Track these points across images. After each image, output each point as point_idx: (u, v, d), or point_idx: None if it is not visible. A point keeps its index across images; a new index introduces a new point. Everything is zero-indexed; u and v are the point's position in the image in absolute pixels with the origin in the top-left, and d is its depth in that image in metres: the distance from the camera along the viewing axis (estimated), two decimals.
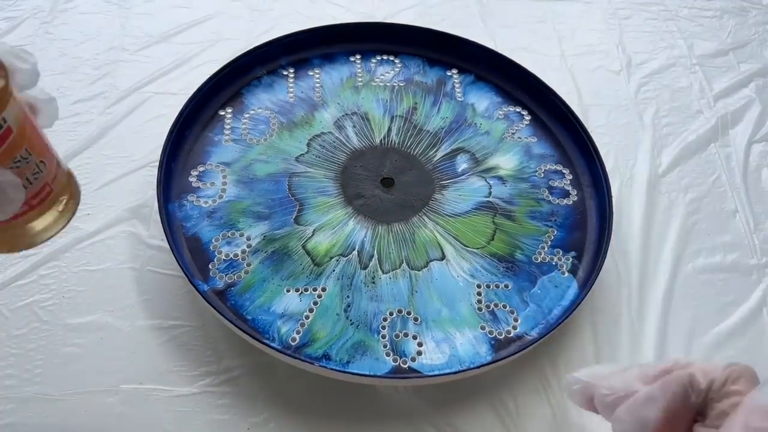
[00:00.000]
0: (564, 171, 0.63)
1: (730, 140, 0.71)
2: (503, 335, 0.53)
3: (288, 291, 0.53)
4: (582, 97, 0.72)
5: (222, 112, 0.63)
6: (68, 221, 0.40)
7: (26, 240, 0.39)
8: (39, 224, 0.39)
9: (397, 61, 0.69)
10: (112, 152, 0.63)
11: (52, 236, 0.40)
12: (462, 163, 0.63)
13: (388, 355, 0.51)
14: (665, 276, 0.60)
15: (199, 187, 0.58)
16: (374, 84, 0.67)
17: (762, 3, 0.85)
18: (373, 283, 0.54)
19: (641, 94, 0.74)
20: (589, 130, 0.64)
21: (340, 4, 0.77)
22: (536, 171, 0.63)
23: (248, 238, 0.55)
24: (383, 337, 0.51)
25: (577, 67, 0.75)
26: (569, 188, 0.62)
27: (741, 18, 0.84)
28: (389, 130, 0.64)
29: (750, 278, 0.61)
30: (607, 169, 0.62)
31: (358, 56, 0.69)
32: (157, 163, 0.56)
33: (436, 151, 0.63)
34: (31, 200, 0.37)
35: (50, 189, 0.38)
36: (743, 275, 0.61)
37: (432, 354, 0.51)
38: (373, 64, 0.69)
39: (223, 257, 0.54)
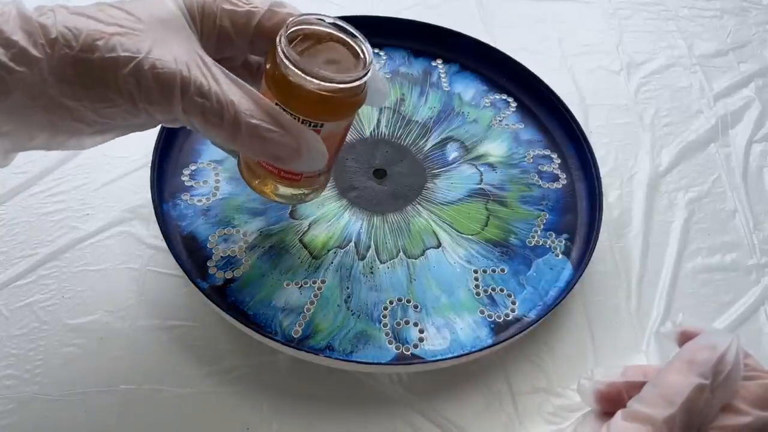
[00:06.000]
0: (552, 155, 0.60)
1: (730, 140, 0.67)
2: (502, 318, 0.49)
3: (288, 285, 0.49)
4: (582, 97, 0.68)
5: None
6: (294, 204, 0.52)
7: (266, 192, 0.45)
8: (280, 191, 0.44)
9: (381, 53, 0.65)
10: (112, 152, 0.58)
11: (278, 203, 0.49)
12: (452, 152, 0.59)
13: (390, 343, 0.47)
14: (664, 275, 0.56)
15: (192, 186, 0.54)
16: None
17: (762, 3, 0.82)
18: (372, 273, 0.50)
19: (641, 94, 0.70)
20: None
21: (340, 4, 0.73)
22: (525, 156, 0.59)
23: (245, 234, 0.51)
24: (385, 325, 0.48)
25: (577, 67, 0.71)
26: (558, 172, 0.58)
27: (741, 18, 0.80)
28: (378, 121, 0.60)
29: (749, 278, 0.57)
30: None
31: None
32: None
33: (426, 140, 0.59)
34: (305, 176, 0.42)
35: (299, 179, 0.43)
36: (742, 275, 0.58)
37: (434, 340, 0.48)
38: None
39: (221, 254, 0.50)
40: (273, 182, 0.44)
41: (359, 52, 0.40)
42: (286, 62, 0.37)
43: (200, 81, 0.35)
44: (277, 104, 0.38)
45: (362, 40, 0.40)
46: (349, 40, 0.40)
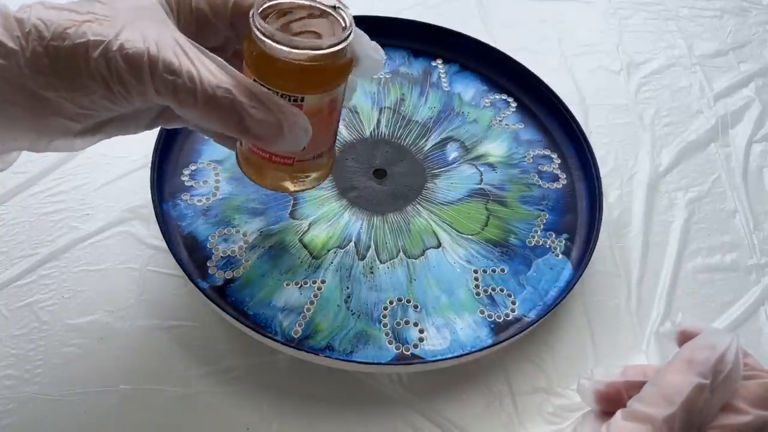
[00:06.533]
0: (552, 155, 0.60)
1: (730, 140, 0.67)
2: (502, 318, 0.49)
3: (287, 285, 0.49)
4: (582, 97, 0.68)
5: None
6: (300, 191, 0.48)
7: (260, 179, 0.43)
8: (274, 177, 0.43)
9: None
10: (112, 152, 0.58)
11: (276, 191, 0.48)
12: (452, 152, 0.59)
13: (390, 343, 0.47)
14: (664, 275, 0.56)
15: (192, 186, 0.54)
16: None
17: (762, 3, 0.82)
18: (372, 273, 0.50)
19: (641, 94, 0.70)
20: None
21: None
22: (525, 156, 0.59)
23: (245, 234, 0.51)
24: (385, 325, 0.48)
25: (577, 67, 0.71)
26: (558, 172, 0.58)
27: (741, 18, 0.80)
28: (378, 121, 0.60)
29: (749, 278, 0.57)
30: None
31: None
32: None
33: (426, 140, 0.59)
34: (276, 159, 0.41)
35: (292, 163, 0.42)
36: (742, 275, 0.58)
37: (434, 340, 0.48)
38: None
39: (221, 254, 0.50)
40: (268, 170, 0.42)
41: (339, 20, 0.38)
42: (257, 33, 0.36)
43: (170, 59, 0.34)
44: (255, 81, 0.37)
45: (343, 7, 0.39)
46: (327, 10, 0.39)
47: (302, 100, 0.38)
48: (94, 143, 0.39)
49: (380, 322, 0.48)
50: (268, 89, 0.37)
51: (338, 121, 0.43)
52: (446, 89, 0.63)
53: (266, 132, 0.37)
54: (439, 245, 0.52)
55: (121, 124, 0.39)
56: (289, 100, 0.37)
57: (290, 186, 0.44)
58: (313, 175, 0.44)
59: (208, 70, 0.35)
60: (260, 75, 0.37)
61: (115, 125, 0.39)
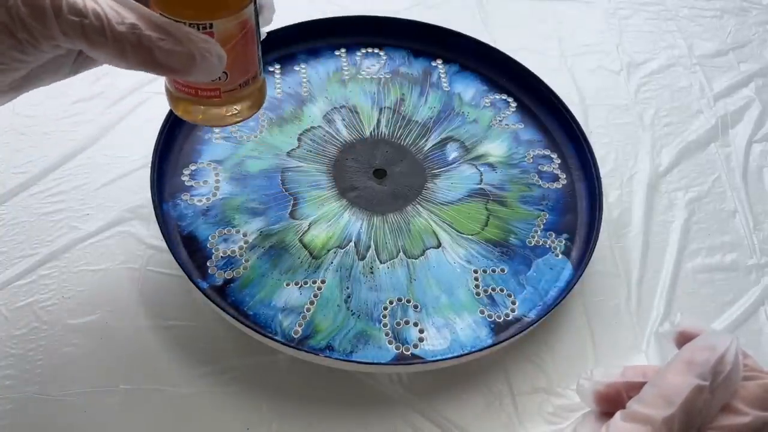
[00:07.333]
0: (552, 155, 0.60)
1: (730, 140, 0.67)
2: (502, 318, 0.50)
3: (287, 285, 0.49)
4: (582, 97, 0.68)
5: None
6: (238, 122, 0.44)
7: (191, 116, 0.43)
8: (205, 112, 0.43)
9: (382, 53, 0.65)
10: (112, 152, 0.58)
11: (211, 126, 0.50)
12: (452, 152, 0.59)
13: (390, 343, 0.47)
14: (664, 275, 0.56)
15: (192, 186, 0.54)
16: (360, 77, 0.63)
17: (762, 3, 0.82)
18: (372, 273, 0.50)
19: (641, 94, 0.70)
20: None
21: (338, 3, 0.73)
22: (525, 156, 0.59)
23: (245, 235, 0.51)
24: (385, 325, 0.48)
25: (577, 67, 0.71)
26: (558, 172, 0.59)
27: (741, 18, 0.80)
28: (378, 121, 0.60)
29: (749, 278, 0.57)
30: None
31: (343, 50, 0.65)
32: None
33: (426, 140, 0.59)
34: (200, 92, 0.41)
35: (218, 95, 0.41)
36: (742, 275, 0.58)
37: (434, 340, 0.48)
38: (358, 58, 0.65)
39: (221, 254, 0.50)
40: (198, 106, 0.42)
41: None
42: None
43: (73, 0, 0.34)
44: (162, 15, 0.37)
45: None
46: None
47: (211, 27, 0.38)
48: (13, 98, 0.39)
49: (380, 322, 0.48)
50: (176, 22, 0.37)
51: (258, 46, 0.42)
52: (446, 89, 0.63)
53: (178, 63, 0.36)
54: (439, 245, 0.52)
55: (39, 78, 0.39)
56: (199, 29, 0.37)
57: (223, 119, 0.43)
58: (245, 104, 0.44)
59: (112, 8, 0.35)
60: (167, 8, 0.37)
61: (33, 79, 0.39)
